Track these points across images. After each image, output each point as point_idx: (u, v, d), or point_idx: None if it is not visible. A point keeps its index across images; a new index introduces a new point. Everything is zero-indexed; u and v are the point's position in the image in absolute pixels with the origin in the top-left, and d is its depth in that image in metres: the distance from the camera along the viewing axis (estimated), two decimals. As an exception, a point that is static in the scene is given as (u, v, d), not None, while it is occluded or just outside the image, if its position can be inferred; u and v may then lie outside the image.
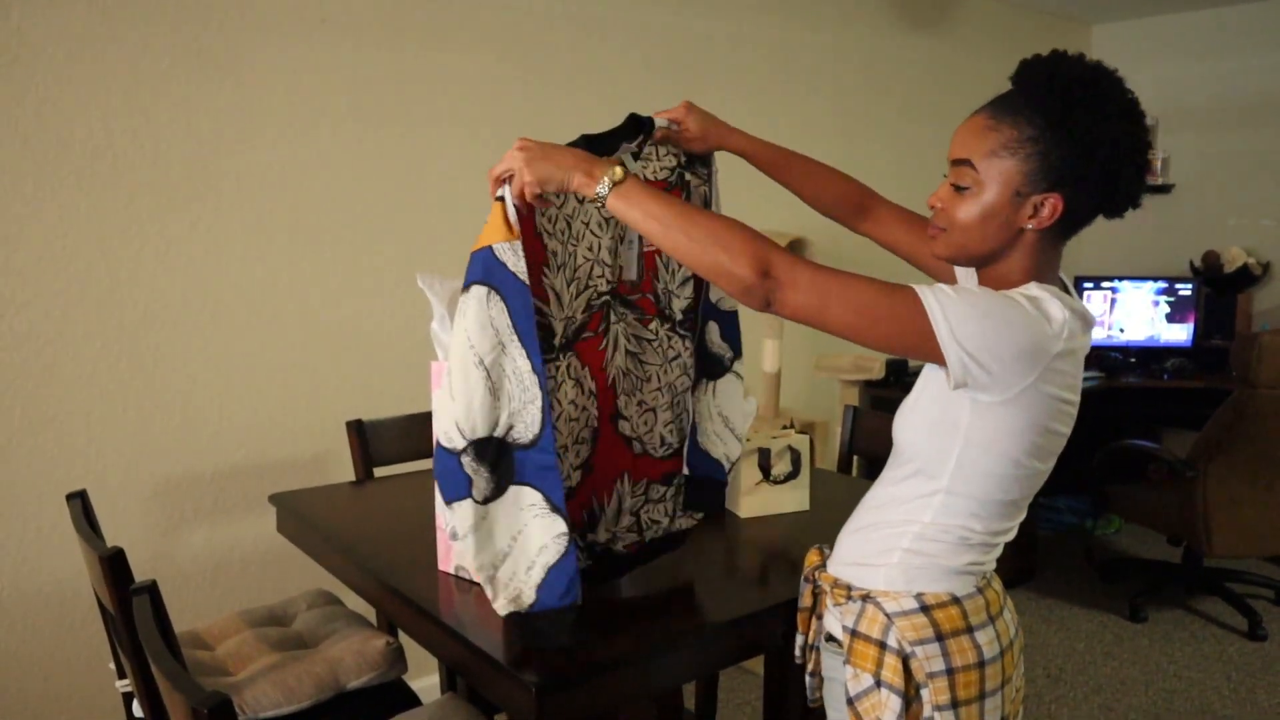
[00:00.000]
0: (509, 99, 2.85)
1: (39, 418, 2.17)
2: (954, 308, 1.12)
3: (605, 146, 1.37)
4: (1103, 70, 1.17)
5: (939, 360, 1.14)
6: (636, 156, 1.45)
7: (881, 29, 3.97)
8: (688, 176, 1.50)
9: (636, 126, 1.41)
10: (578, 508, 1.45)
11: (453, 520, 1.27)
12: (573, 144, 1.29)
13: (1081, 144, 1.14)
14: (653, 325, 1.53)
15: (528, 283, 1.22)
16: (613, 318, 1.47)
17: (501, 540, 1.28)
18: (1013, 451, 1.20)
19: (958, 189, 1.22)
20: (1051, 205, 1.18)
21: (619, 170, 1.20)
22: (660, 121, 1.44)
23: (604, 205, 1.20)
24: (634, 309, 1.51)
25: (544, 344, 1.35)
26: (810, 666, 1.40)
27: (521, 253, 1.23)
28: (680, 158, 1.50)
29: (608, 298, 1.46)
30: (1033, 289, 1.18)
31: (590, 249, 1.42)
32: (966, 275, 1.36)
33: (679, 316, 1.54)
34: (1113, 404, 4.10)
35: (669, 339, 1.54)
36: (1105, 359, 4.23)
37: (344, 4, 2.50)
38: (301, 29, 2.44)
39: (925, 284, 1.17)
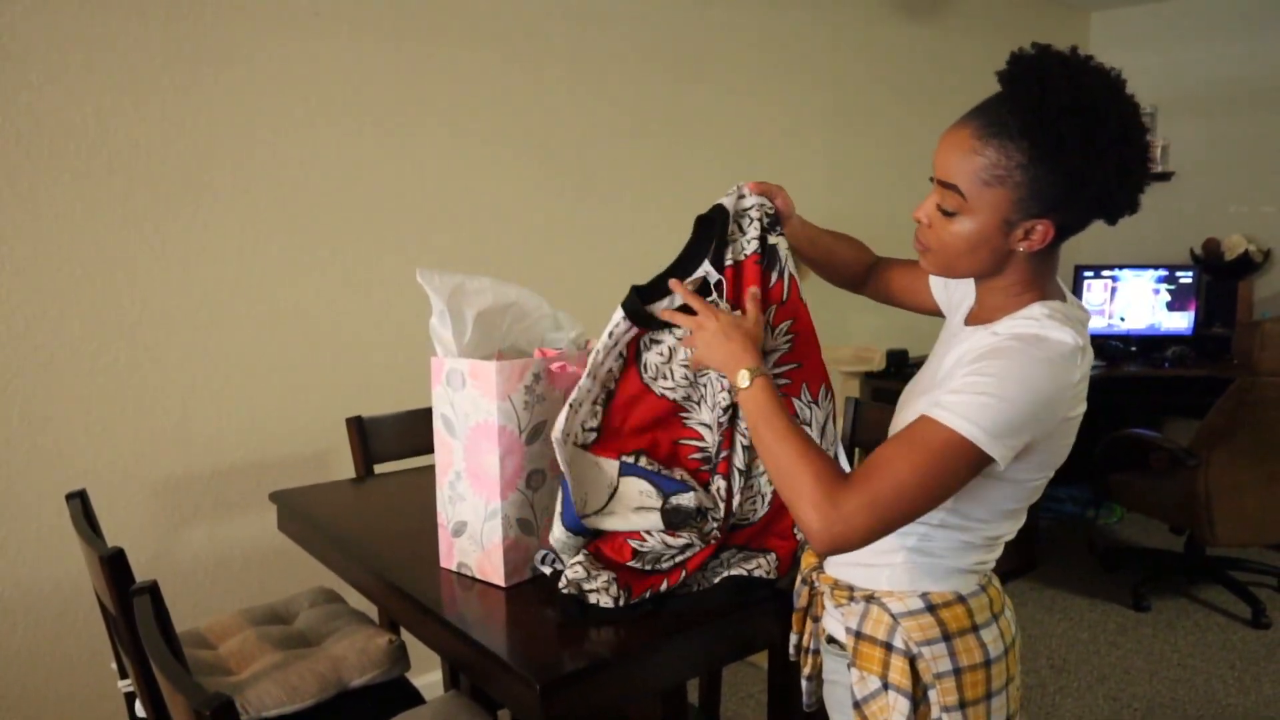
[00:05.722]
0: (506, 94, 2.84)
1: (37, 417, 2.16)
2: (981, 413, 1.07)
3: (715, 229, 1.41)
4: (1098, 91, 1.08)
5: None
6: (727, 243, 1.43)
7: (879, 17, 3.95)
8: (771, 240, 1.45)
9: (717, 219, 1.43)
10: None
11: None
12: (700, 220, 1.43)
13: (1073, 176, 1.08)
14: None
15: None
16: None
17: None
18: (1021, 473, 1.18)
19: (944, 212, 1.16)
20: (1043, 230, 1.13)
21: (746, 375, 1.25)
22: (747, 201, 1.45)
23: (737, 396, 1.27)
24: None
25: None
26: (807, 670, 1.39)
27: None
28: (762, 222, 1.45)
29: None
30: (1037, 318, 1.13)
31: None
32: (960, 281, 1.34)
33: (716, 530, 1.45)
34: (1114, 393, 4.09)
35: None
36: (1106, 348, 4.22)
37: (340, 5, 2.49)
38: (296, 24, 2.43)
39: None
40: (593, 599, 1.37)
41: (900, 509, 1.10)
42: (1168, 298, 4.37)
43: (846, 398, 2.43)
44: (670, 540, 1.41)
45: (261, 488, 2.45)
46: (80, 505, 1.65)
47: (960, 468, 1.09)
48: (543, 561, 1.50)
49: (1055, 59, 1.10)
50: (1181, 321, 4.36)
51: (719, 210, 1.42)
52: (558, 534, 1.40)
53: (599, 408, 1.44)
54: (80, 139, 2.15)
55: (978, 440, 1.07)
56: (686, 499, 1.41)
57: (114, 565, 1.42)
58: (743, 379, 1.24)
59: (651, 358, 1.45)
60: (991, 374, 1.09)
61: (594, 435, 1.43)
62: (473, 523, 1.51)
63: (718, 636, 1.41)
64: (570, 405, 1.39)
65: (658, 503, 1.42)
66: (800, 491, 1.12)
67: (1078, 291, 4.37)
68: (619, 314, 1.39)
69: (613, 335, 1.40)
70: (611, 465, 1.43)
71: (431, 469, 1.63)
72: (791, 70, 3.64)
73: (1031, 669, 3.11)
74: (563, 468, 1.37)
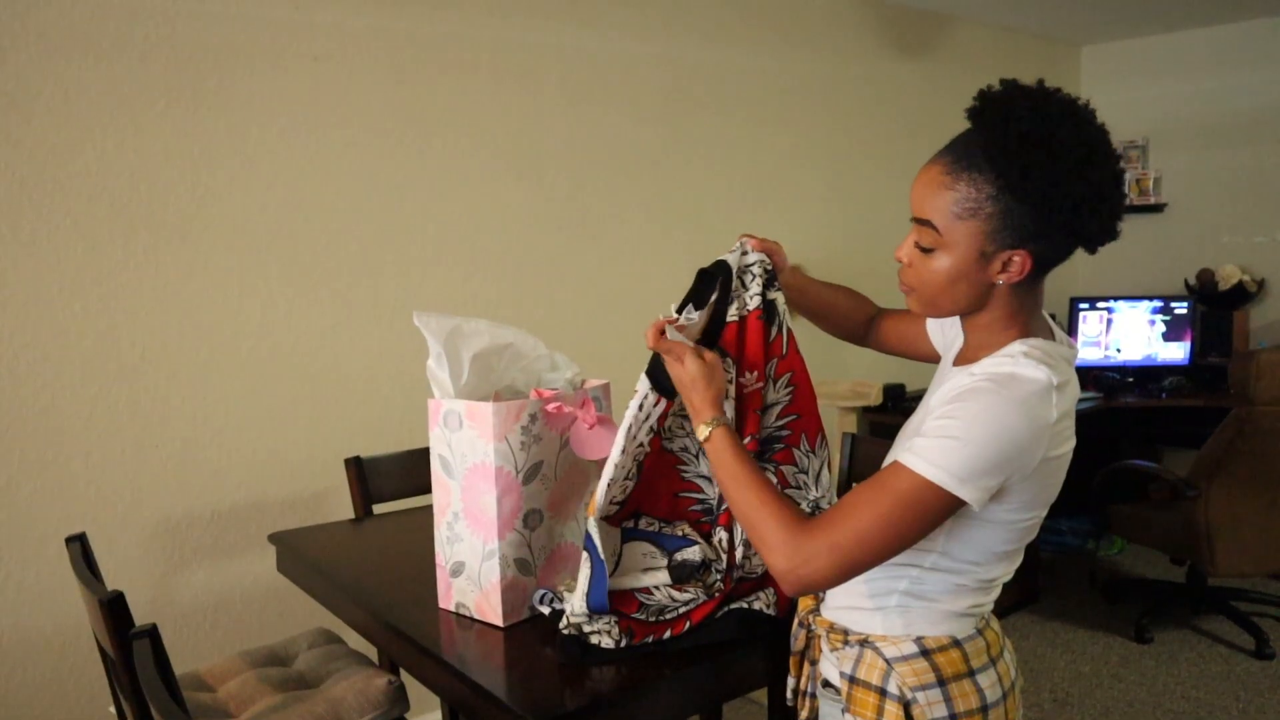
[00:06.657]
0: (507, 132, 2.88)
1: (38, 460, 2.17)
2: (950, 457, 1.08)
3: (713, 282, 1.42)
4: (1060, 119, 1.09)
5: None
6: (730, 298, 1.44)
7: (875, 55, 4.00)
8: (770, 295, 1.47)
9: (718, 276, 1.43)
10: None
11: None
12: (700, 273, 1.41)
13: (1040, 205, 1.09)
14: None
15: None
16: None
17: None
18: (1008, 514, 1.17)
19: (923, 249, 1.17)
20: (1020, 262, 1.13)
21: (705, 429, 1.27)
22: (750, 258, 1.46)
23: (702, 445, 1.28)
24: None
25: None
26: (804, 714, 1.37)
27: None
28: (762, 278, 1.46)
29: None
30: (1013, 356, 1.13)
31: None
32: (953, 323, 1.35)
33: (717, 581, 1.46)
34: (1111, 424, 4.09)
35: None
36: (1103, 379, 4.23)
37: (338, 42, 2.53)
38: (296, 68, 2.47)
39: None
40: (594, 639, 1.37)
41: (862, 553, 1.11)
42: (1163, 328, 4.38)
43: (843, 433, 2.44)
44: (676, 595, 1.42)
45: (261, 529, 2.45)
46: (80, 548, 1.66)
47: (928, 512, 1.10)
48: (540, 601, 1.50)
49: (1020, 92, 1.12)
50: (1177, 352, 4.38)
51: (721, 266, 1.43)
52: (578, 609, 1.36)
53: (630, 483, 1.40)
54: (81, 183, 2.18)
55: (944, 484, 1.08)
56: (692, 553, 1.41)
57: (113, 609, 1.43)
58: (701, 433, 1.27)
59: (673, 424, 1.42)
60: (959, 416, 1.09)
61: (616, 509, 1.40)
62: (470, 563, 1.52)
63: (717, 674, 1.41)
64: (609, 484, 1.36)
65: (663, 561, 1.42)
66: (763, 536, 1.16)
67: (1073, 323, 4.39)
68: (645, 384, 1.36)
69: (643, 408, 1.36)
70: (615, 533, 1.43)
71: (430, 508, 1.64)
72: (788, 109, 3.68)
73: (1034, 703, 3.09)
74: (600, 550, 1.34)
